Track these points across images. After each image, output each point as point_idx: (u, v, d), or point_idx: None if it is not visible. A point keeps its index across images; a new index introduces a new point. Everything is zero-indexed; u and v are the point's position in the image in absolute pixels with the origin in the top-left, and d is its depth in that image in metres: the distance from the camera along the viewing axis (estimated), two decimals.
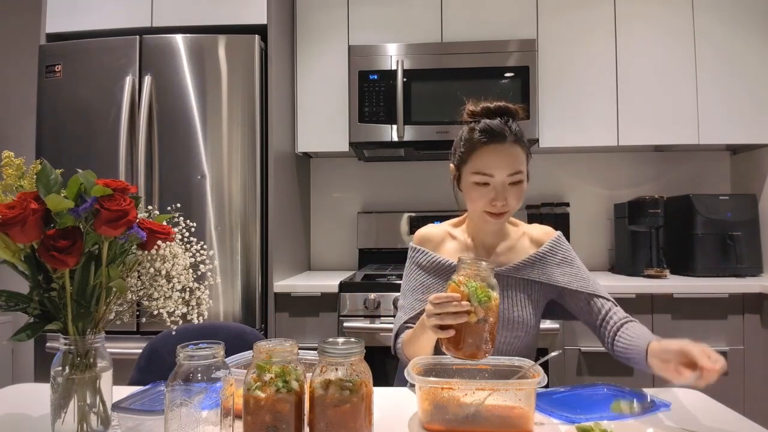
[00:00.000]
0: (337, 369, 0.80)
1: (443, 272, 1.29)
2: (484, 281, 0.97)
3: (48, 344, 2.13)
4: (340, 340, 0.82)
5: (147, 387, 1.08)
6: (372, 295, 2.17)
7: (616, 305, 1.25)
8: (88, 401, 0.85)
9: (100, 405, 0.86)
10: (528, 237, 1.33)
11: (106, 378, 0.87)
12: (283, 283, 2.28)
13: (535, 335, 1.30)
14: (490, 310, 0.95)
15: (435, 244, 1.34)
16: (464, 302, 0.94)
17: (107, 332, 0.91)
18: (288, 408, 0.77)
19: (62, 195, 0.81)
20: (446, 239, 1.35)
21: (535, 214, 2.74)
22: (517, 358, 1.00)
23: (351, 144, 2.51)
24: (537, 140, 2.44)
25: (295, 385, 0.78)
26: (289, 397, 0.78)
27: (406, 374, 0.91)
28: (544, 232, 1.33)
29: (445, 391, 0.88)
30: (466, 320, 0.94)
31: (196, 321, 0.94)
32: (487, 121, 1.20)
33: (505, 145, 1.17)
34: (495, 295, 0.96)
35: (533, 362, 0.97)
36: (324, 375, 0.80)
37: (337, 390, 0.79)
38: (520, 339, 1.25)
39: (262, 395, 0.77)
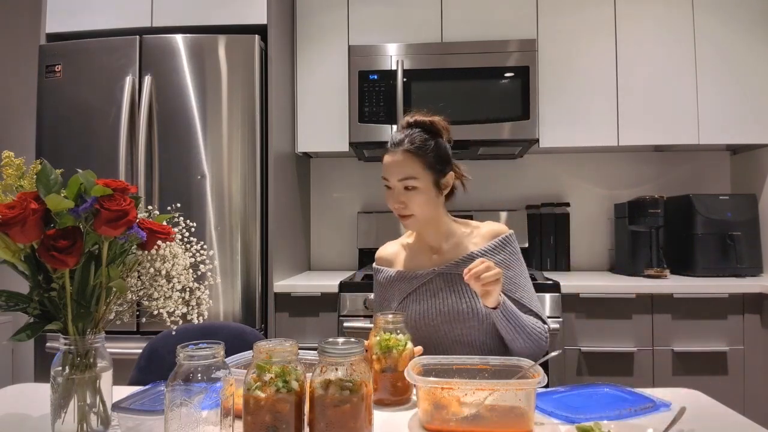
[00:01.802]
0: (337, 369, 0.80)
1: (395, 282, 1.39)
2: (392, 333, 1.06)
3: (48, 344, 2.13)
4: (340, 340, 0.82)
5: (147, 387, 1.08)
6: (372, 296, 2.17)
7: (539, 319, 1.30)
8: (88, 401, 0.85)
9: (100, 405, 0.86)
10: (478, 234, 1.40)
11: (106, 378, 0.87)
12: (283, 283, 2.28)
13: (493, 325, 1.30)
14: (396, 360, 1.03)
15: (390, 261, 1.46)
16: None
17: (107, 332, 0.91)
18: (288, 408, 0.77)
19: (62, 195, 0.81)
20: (400, 252, 1.46)
21: (535, 214, 2.74)
22: (516, 357, 1.01)
23: (351, 144, 2.51)
24: (537, 140, 2.44)
25: (295, 385, 0.78)
26: (289, 397, 0.77)
27: (406, 374, 0.92)
28: (493, 229, 1.40)
29: (445, 391, 0.88)
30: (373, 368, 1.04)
31: (196, 321, 0.94)
32: (396, 134, 1.34)
33: (398, 153, 1.30)
34: (400, 345, 1.05)
35: (533, 362, 0.97)
36: (324, 375, 0.80)
37: (337, 390, 0.79)
38: (476, 329, 1.28)
39: (262, 395, 0.77)
